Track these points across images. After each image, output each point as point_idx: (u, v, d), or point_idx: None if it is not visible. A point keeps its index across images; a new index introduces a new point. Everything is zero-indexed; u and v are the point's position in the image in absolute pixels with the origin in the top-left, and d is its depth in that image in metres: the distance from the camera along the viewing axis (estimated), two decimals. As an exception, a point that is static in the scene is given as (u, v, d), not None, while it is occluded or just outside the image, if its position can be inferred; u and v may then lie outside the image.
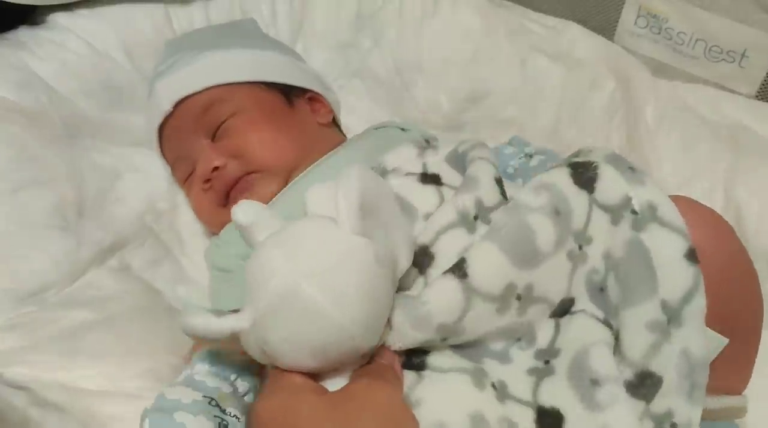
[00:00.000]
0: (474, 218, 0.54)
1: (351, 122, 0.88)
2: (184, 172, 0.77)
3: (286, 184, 0.72)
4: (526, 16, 0.89)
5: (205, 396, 0.48)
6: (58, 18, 0.79)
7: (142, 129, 0.80)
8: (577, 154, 0.56)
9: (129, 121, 0.80)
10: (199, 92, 0.74)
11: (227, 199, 0.73)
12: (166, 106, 0.74)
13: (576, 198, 0.51)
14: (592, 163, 0.52)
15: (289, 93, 0.78)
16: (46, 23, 0.79)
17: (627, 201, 0.51)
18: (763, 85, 0.79)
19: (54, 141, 0.72)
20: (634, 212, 0.51)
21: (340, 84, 0.91)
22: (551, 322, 0.52)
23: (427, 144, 0.67)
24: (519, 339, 0.51)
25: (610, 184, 0.51)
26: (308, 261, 0.44)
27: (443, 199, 0.59)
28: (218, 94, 0.74)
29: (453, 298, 0.47)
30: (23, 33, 0.78)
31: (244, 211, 0.49)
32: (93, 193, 0.73)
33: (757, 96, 0.80)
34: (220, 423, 0.47)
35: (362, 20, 0.91)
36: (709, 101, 0.79)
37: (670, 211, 0.51)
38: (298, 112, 0.78)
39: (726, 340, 0.51)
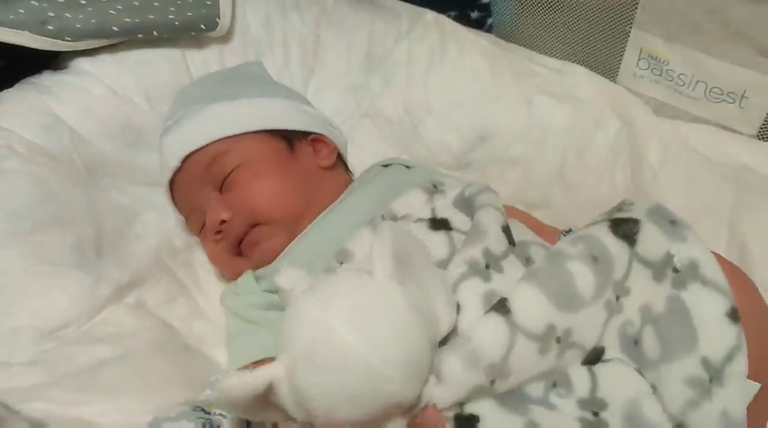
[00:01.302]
0: (485, 267, 0.55)
1: (361, 161, 0.90)
2: (197, 224, 0.79)
3: (294, 232, 0.74)
4: (532, 59, 0.92)
5: (190, 407, 0.49)
6: (81, 63, 0.83)
7: (159, 170, 0.82)
8: (619, 208, 0.57)
9: (147, 161, 0.83)
10: (204, 146, 0.76)
11: (239, 248, 0.75)
12: (174, 163, 0.77)
13: (616, 248, 0.52)
14: (633, 219, 0.54)
15: (291, 138, 0.80)
16: (69, 68, 0.83)
17: (669, 258, 0.52)
18: (763, 125, 0.81)
19: (75, 181, 0.74)
20: (675, 270, 0.52)
21: (350, 124, 0.94)
22: (584, 369, 0.52)
23: (434, 188, 0.68)
24: (555, 385, 0.52)
25: (652, 240, 0.53)
26: (341, 306, 0.45)
27: (453, 244, 0.60)
28: (222, 147, 0.76)
29: (498, 332, 0.48)
30: (47, 77, 0.81)
31: (287, 277, 0.51)
32: (111, 231, 0.75)
33: (758, 136, 0.82)
34: (204, 424, 0.48)
35: (373, 63, 0.94)
36: (711, 141, 0.81)
37: (712, 269, 0.52)
38: (301, 157, 0.80)
39: (758, 385, 0.51)
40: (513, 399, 0.51)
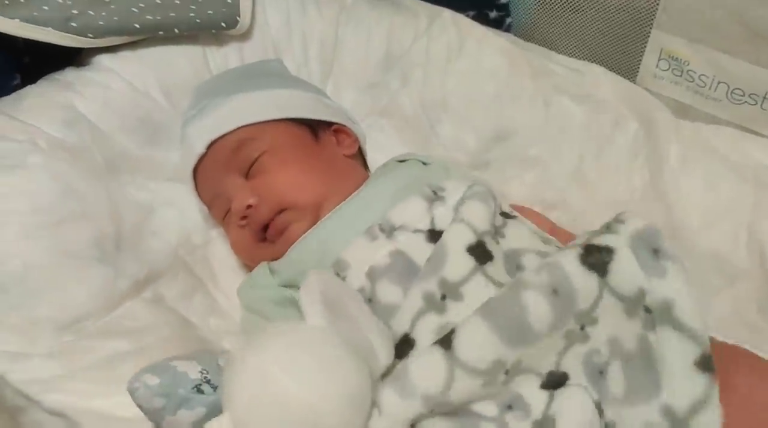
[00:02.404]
0: (442, 298, 0.56)
1: (378, 159, 0.90)
2: (221, 210, 0.79)
3: (317, 217, 0.74)
4: (550, 58, 0.92)
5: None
6: (103, 59, 0.84)
7: (178, 165, 0.83)
8: (606, 226, 0.55)
9: (166, 157, 0.83)
10: (230, 133, 0.77)
11: (264, 234, 0.76)
12: (200, 148, 0.78)
13: (582, 279, 0.50)
14: (608, 248, 0.51)
15: (315, 127, 0.81)
16: (91, 64, 0.84)
17: (641, 295, 0.50)
18: (785, 127, 0.80)
19: (96, 176, 0.75)
20: (647, 310, 0.50)
21: (368, 122, 0.94)
22: (545, 394, 0.52)
23: (434, 195, 0.68)
24: (510, 407, 0.52)
25: (626, 272, 0.51)
26: (275, 354, 0.48)
27: None
28: (248, 133, 0.77)
29: (436, 367, 0.49)
30: (70, 74, 0.82)
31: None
32: (130, 227, 0.76)
33: (780, 137, 0.81)
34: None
35: (390, 61, 0.95)
36: (732, 142, 0.80)
37: (686, 311, 0.49)
38: (325, 145, 0.81)
39: None
40: (465, 416, 0.51)
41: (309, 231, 0.73)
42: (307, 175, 0.76)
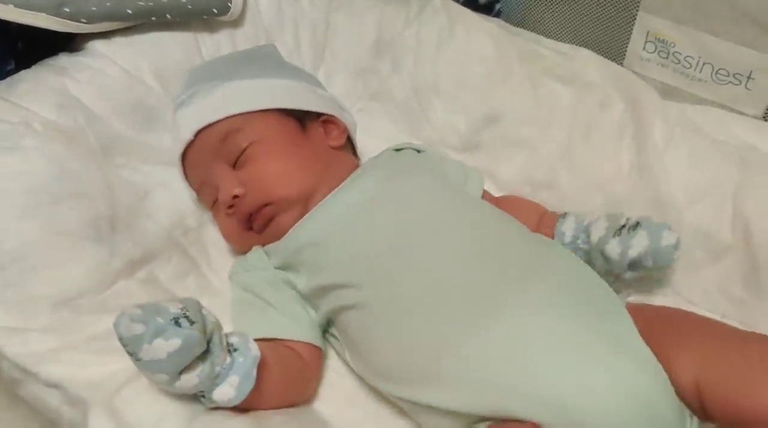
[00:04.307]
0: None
1: (370, 144, 0.92)
2: (209, 197, 0.80)
3: (304, 209, 0.76)
4: (538, 42, 0.93)
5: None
6: (96, 45, 0.84)
7: (172, 149, 0.84)
8: None
9: (160, 141, 0.84)
10: (218, 121, 0.78)
11: (251, 224, 0.77)
12: (187, 136, 0.79)
13: None
14: None
15: (303, 118, 0.82)
16: (85, 50, 0.84)
17: None
18: (769, 106, 0.82)
19: (90, 158, 0.76)
20: None
21: (359, 107, 0.95)
22: None
23: None
24: None
25: None
26: None
27: None
28: (236, 123, 0.78)
29: None
30: (64, 59, 0.83)
31: None
32: (125, 208, 0.77)
33: (764, 117, 0.82)
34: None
35: (381, 47, 0.96)
36: (717, 122, 0.81)
37: None
38: (312, 136, 0.82)
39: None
40: None
41: (300, 220, 0.74)
42: (293, 167, 0.77)
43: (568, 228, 0.79)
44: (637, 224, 0.72)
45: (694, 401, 0.57)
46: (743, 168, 0.76)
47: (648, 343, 0.60)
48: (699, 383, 0.56)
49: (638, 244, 0.70)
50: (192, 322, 0.55)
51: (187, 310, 0.55)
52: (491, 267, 0.65)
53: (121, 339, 0.53)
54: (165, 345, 0.53)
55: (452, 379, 0.60)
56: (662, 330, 0.60)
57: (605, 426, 0.55)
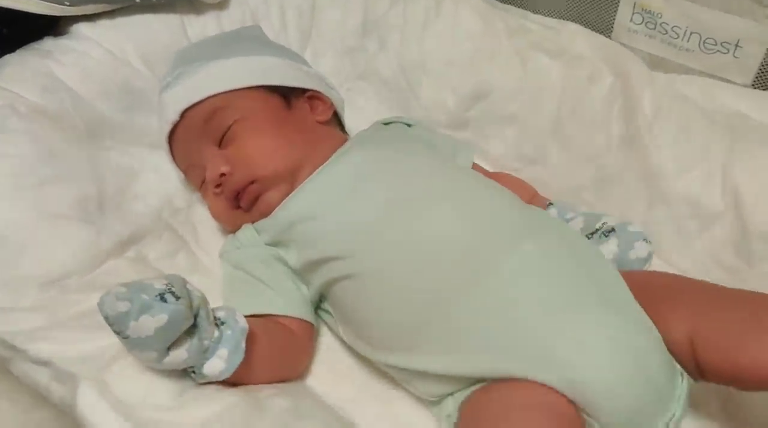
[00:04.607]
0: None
1: (359, 123, 0.91)
2: (197, 178, 0.80)
3: (292, 186, 0.75)
4: (526, 17, 0.92)
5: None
6: (81, 28, 0.84)
7: (159, 132, 0.84)
8: None
9: (146, 123, 0.84)
10: (203, 101, 0.78)
11: (239, 201, 0.76)
12: (173, 116, 0.78)
13: None
14: None
15: (288, 94, 0.82)
16: (70, 33, 0.84)
17: None
18: (757, 74, 0.81)
19: (76, 140, 0.76)
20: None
21: (347, 87, 0.95)
22: None
23: None
24: None
25: None
26: None
27: None
28: (221, 102, 0.78)
29: None
30: (48, 43, 0.83)
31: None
32: (113, 190, 0.77)
33: (752, 85, 0.82)
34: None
35: (368, 26, 0.95)
36: (705, 91, 0.80)
37: None
38: (297, 112, 0.81)
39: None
40: None
41: (289, 196, 0.74)
42: (279, 143, 0.77)
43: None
44: (611, 230, 0.73)
45: (688, 359, 0.57)
46: (732, 136, 0.76)
47: (640, 305, 0.60)
48: (693, 340, 0.56)
49: (606, 251, 0.70)
50: (177, 297, 0.54)
51: (172, 286, 0.55)
52: (483, 230, 0.65)
53: (106, 318, 0.53)
54: (152, 322, 0.52)
55: (445, 342, 0.60)
56: (653, 292, 0.61)
57: (602, 383, 0.55)
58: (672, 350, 0.58)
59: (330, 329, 0.74)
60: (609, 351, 0.56)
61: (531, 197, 0.83)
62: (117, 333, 0.53)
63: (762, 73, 0.81)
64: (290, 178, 0.76)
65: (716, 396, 0.66)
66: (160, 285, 0.54)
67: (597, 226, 0.74)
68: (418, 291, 0.62)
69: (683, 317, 0.58)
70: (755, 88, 0.82)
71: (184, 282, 0.57)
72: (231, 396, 0.58)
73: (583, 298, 0.59)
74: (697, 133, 0.77)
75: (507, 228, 0.65)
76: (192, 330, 0.57)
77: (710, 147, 0.76)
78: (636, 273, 0.67)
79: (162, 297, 0.53)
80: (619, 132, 0.82)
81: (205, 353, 0.59)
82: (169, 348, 0.56)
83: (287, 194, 0.75)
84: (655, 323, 0.59)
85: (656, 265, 0.79)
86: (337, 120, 0.88)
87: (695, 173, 0.77)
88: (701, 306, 0.58)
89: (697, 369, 0.58)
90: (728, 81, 0.83)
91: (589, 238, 0.73)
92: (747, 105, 0.79)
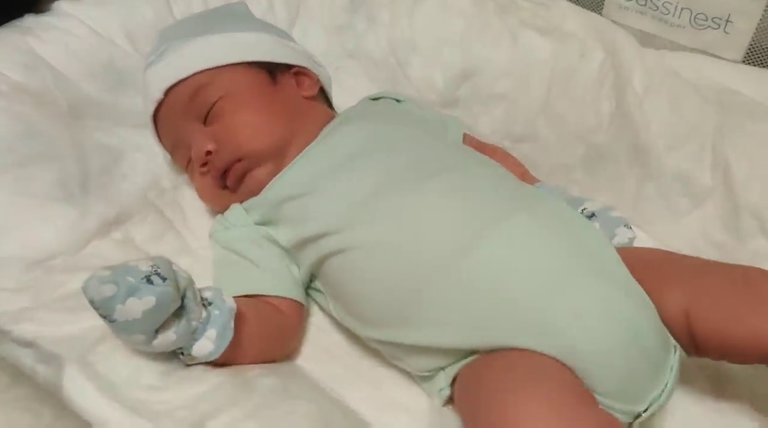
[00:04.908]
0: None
1: (348, 102, 0.90)
2: (183, 157, 0.79)
3: (280, 163, 0.74)
4: (516, -6, 0.91)
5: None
6: (63, 5, 0.82)
7: (145, 111, 0.83)
8: None
9: (132, 103, 0.83)
10: (187, 78, 0.76)
11: (225, 181, 0.75)
12: (157, 94, 0.77)
13: None
14: None
15: (273, 70, 0.80)
16: (52, 11, 0.82)
17: None
18: (748, 50, 0.81)
19: (59, 119, 0.75)
20: None
21: (336, 66, 0.94)
22: None
23: None
24: None
25: None
26: None
27: None
28: (205, 79, 0.76)
29: None
30: (29, 20, 0.81)
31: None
32: (97, 170, 0.76)
33: (743, 61, 0.81)
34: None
35: (356, 3, 0.94)
36: (696, 67, 0.80)
37: None
38: (283, 87, 0.80)
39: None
40: None
41: (279, 174, 0.73)
42: (264, 119, 0.75)
43: None
44: (591, 215, 0.73)
45: (683, 333, 0.57)
46: (722, 112, 0.75)
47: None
48: (688, 313, 0.57)
49: None
50: (164, 279, 0.54)
51: (158, 267, 0.54)
52: (475, 203, 0.64)
53: (92, 302, 0.52)
54: (139, 304, 0.52)
55: (437, 315, 0.60)
56: (647, 267, 0.61)
57: (594, 350, 0.55)
58: (667, 324, 0.58)
59: (320, 308, 0.74)
60: (604, 320, 0.56)
61: (521, 175, 0.83)
62: (103, 317, 0.52)
63: (752, 48, 0.80)
64: (278, 155, 0.75)
65: (704, 374, 0.66)
66: (145, 267, 0.53)
67: (578, 210, 0.73)
68: (410, 264, 0.62)
69: (678, 291, 0.58)
70: (746, 64, 0.81)
71: (170, 263, 0.56)
72: (218, 376, 0.58)
73: (577, 268, 0.59)
74: (688, 109, 0.77)
75: (498, 200, 0.65)
76: (179, 311, 0.56)
77: (700, 124, 0.76)
78: (628, 249, 0.66)
79: (148, 280, 0.52)
80: (609, 109, 0.82)
81: (194, 334, 0.58)
82: (157, 331, 0.55)
83: (275, 171, 0.74)
84: (650, 297, 0.58)
85: (646, 242, 0.79)
86: (324, 97, 0.87)
87: (686, 150, 0.76)
88: (696, 280, 0.59)
89: (692, 343, 0.58)
90: (719, 57, 0.82)
91: None
92: (737, 81, 0.78)
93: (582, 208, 0.74)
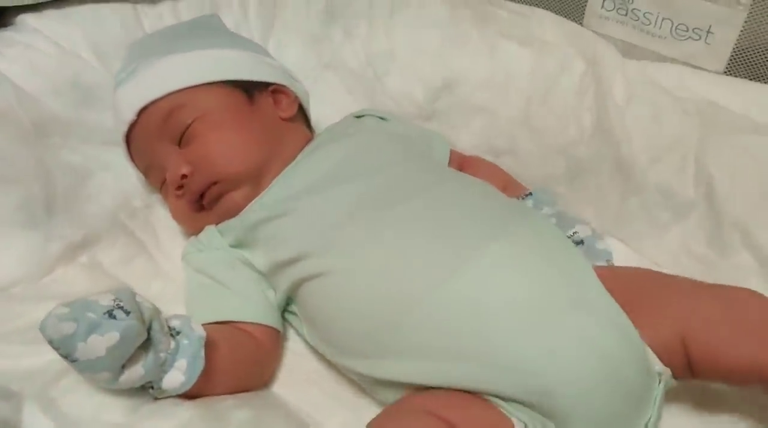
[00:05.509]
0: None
1: (326, 114, 0.88)
2: (157, 179, 0.76)
3: (258, 186, 0.72)
4: (494, 4, 0.89)
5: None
6: (27, 19, 0.80)
7: (114, 128, 0.80)
8: None
9: (100, 120, 0.80)
10: (160, 98, 0.73)
11: (201, 204, 0.73)
12: (129, 116, 0.74)
13: None
14: None
15: (251, 89, 0.78)
16: (15, 25, 0.80)
17: None
18: (729, 61, 0.80)
19: (22, 139, 0.72)
20: None
21: (313, 77, 0.92)
22: None
23: None
24: None
25: None
26: None
27: None
28: (179, 99, 0.73)
29: None
30: (-9, 35, 0.78)
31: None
32: (63, 191, 0.73)
33: (725, 72, 0.80)
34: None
35: (333, 14, 0.92)
36: (677, 78, 0.78)
37: None
38: (260, 107, 0.77)
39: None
40: None
41: (257, 197, 0.71)
42: (240, 141, 0.73)
43: None
44: (580, 242, 0.72)
45: (679, 357, 0.56)
46: (705, 124, 0.74)
47: (622, 305, 0.58)
48: (684, 338, 0.55)
49: None
50: (127, 312, 0.51)
51: (121, 300, 0.52)
52: (453, 232, 0.62)
53: (51, 342, 0.49)
54: (102, 341, 0.49)
55: (408, 348, 0.58)
56: (637, 290, 0.59)
57: (571, 389, 0.53)
58: (661, 349, 0.56)
59: (297, 332, 0.72)
60: (580, 357, 0.54)
61: (505, 184, 0.81)
62: (64, 357, 0.50)
63: (734, 59, 0.79)
64: (255, 178, 0.73)
65: (690, 395, 0.65)
66: (107, 302, 0.51)
67: (567, 234, 0.72)
68: (384, 293, 0.60)
69: (671, 315, 0.56)
70: (727, 75, 0.80)
71: (134, 294, 0.54)
72: (188, 410, 0.55)
73: (554, 301, 0.57)
74: (670, 122, 0.76)
75: (478, 227, 0.62)
76: (146, 344, 0.54)
77: (683, 136, 0.75)
78: (616, 269, 0.65)
79: (110, 314, 0.50)
80: (590, 122, 0.80)
81: (163, 366, 0.56)
82: (123, 367, 0.53)
83: (252, 195, 0.72)
84: (642, 322, 0.57)
85: (629, 256, 0.78)
86: (302, 114, 0.84)
87: (668, 163, 0.75)
88: (688, 303, 0.57)
89: (688, 367, 0.56)
90: (701, 68, 0.81)
91: None
92: (719, 92, 0.77)
93: (573, 231, 0.72)
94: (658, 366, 0.57)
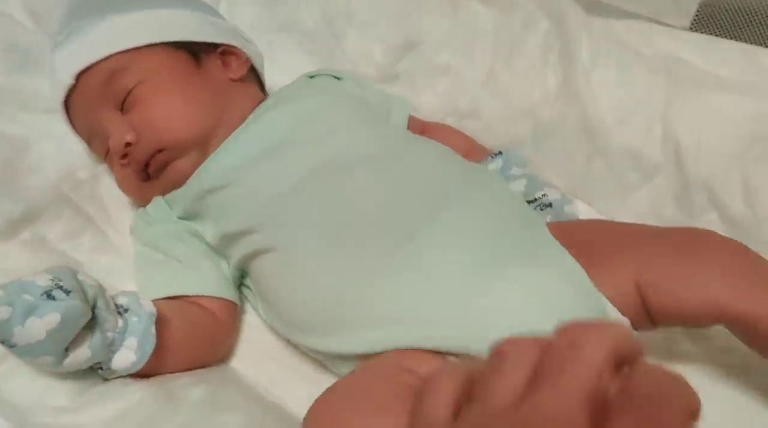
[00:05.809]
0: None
1: (281, 78, 0.83)
2: (101, 147, 0.72)
3: (205, 152, 0.69)
4: (456, -40, 0.86)
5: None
6: (-47, -21, 0.73)
7: (53, 95, 0.75)
8: None
9: (39, 85, 0.75)
10: (100, 61, 0.68)
11: (147, 173, 0.69)
12: (67, 80, 0.69)
13: None
14: None
15: (197, 51, 0.73)
16: (-61, -15, 0.73)
17: None
18: (696, 17, 0.78)
19: (-48, 109, 0.67)
20: None
21: (267, 40, 0.87)
22: None
23: None
24: None
25: None
26: None
27: None
28: (120, 62, 0.68)
29: None
30: None
31: None
32: (0, 164, 0.68)
33: (691, 28, 0.78)
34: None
35: (287, -28, 0.87)
36: (643, 35, 0.76)
37: None
38: (208, 70, 0.73)
39: None
40: None
41: (202, 164, 0.67)
42: (186, 106, 0.69)
43: (492, 170, 0.75)
44: (549, 205, 0.71)
45: (636, 304, 0.55)
46: (671, 83, 0.72)
47: (577, 258, 0.57)
48: (639, 284, 0.55)
49: None
50: (68, 291, 0.48)
51: (59, 280, 0.49)
52: (406, 200, 0.60)
53: None
54: (41, 324, 0.47)
55: (361, 321, 0.56)
56: (591, 243, 0.58)
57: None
58: (619, 298, 0.56)
59: (253, 306, 0.69)
60: (529, 306, 0.53)
61: (469, 149, 0.78)
62: (1, 342, 0.47)
63: (700, 15, 0.77)
64: (202, 144, 0.69)
65: (656, 355, 0.64)
66: (44, 282, 0.47)
67: (536, 196, 0.71)
68: (335, 265, 0.57)
69: (625, 263, 0.56)
70: (693, 31, 0.78)
71: (74, 272, 0.50)
72: (139, 390, 0.53)
73: (506, 259, 0.56)
74: (636, 81, 0.74)
75: (431, 193, 0.60)
76: (92, 324, 0.51)
77: (649, 96, 0.73)
78: (571, 223, 0.64)
79: (49, 295, 0.47)
80: (556, 82, 0.78)
81: (111, 346, 0.53)
82: (67, 349, 0.50)
83: (199, 162, 0.68)
84: (598, 272, 0.56)
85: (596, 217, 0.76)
86: (255, 77, 0.80)
87: (634, 124, 0.73)
88: (641, 248, 0.57)
89: (646, 314, 0.56)
90: (666, 24, 0.79)
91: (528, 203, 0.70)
92: (685, 49, 0.74)
93: (542, 193, 0.71)
94: (615, 314, 0.56)
